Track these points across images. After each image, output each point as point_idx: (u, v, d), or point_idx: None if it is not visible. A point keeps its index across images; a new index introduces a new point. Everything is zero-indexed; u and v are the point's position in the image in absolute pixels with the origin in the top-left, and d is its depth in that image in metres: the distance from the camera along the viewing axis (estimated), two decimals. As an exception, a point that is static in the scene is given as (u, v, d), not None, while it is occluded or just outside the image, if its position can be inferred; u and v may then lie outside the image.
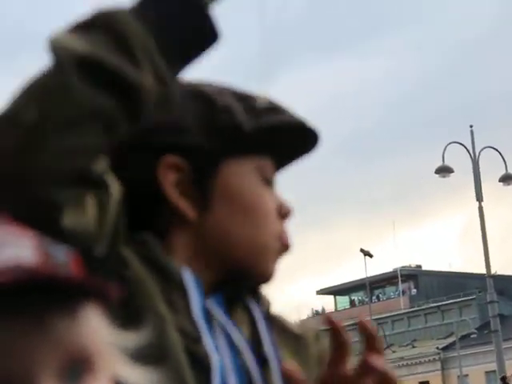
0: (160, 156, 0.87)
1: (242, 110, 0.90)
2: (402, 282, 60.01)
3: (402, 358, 48.80)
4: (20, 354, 0.49)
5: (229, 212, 0.91)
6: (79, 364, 0.50)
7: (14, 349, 0.48)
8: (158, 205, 0.88)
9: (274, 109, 0.94)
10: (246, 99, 0.92)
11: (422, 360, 47.94)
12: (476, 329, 43.84)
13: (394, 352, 47.55)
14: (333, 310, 62.29)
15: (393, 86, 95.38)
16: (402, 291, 60.47)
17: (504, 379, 17.94)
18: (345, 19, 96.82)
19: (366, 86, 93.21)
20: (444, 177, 21.52)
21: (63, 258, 0.51)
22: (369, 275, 33.19)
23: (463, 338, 44.21)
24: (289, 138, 0.96)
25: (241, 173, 0.91)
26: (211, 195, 0.90)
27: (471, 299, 50.39)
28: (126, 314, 0.56)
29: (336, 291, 63.95)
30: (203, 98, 0.90)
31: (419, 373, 48.02)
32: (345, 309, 61.49)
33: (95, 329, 0.51)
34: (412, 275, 61.22)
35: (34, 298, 0.46)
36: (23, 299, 0.46)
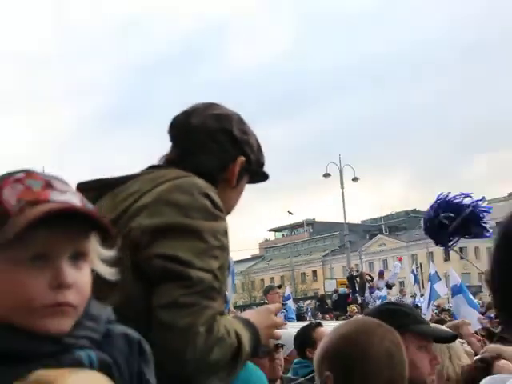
0: (239, 155, 1.65)
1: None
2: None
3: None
4: (51, 245, 0.95)
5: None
6: (80, 254, 0.98)
7: (50, 240, 0.94)
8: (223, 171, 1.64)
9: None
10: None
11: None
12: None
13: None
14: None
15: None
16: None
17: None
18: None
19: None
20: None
21: (91, 206, 1.02)
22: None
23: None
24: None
25: None
26: (241, 184, 1.70)
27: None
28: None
29: (283, 228, 77.96)
30: (258, 143, 1.74)
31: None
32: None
33: (93, 242, 1.00)
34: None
35: (71, 221, 0.94)
36: (68, 220, 0.93)
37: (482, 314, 8.84)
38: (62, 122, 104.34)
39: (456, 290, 7.72)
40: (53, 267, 0.94)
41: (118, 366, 1.00)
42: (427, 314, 8.45)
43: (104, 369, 0.97)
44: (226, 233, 1.47)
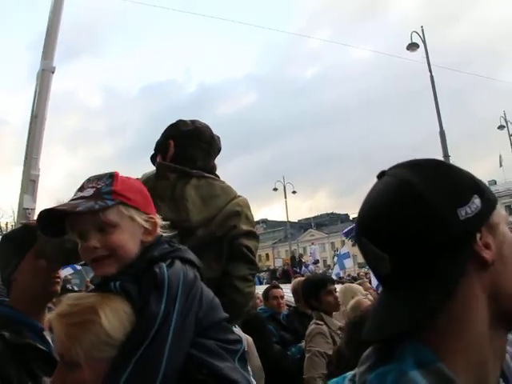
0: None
1: None
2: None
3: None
4: (77, 227, 1.27)
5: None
6: (104, 224, 1.26)
7: (75, 224, 1.28)
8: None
9: None
10: None
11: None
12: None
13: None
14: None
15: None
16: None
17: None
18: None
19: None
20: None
21: (107, 190, 1.28)
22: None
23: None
24: None
25: None
26: None
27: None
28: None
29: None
30: None
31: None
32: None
33: (118, 213, 1.28)
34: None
35: (92, 203, 1.23)
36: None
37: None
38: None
39: (342, 257, 12.98)
40: (87, 239, 1.27)
41: (140, 291, 1.23)
42: (335, 276, 12.05)
43: (123, 292, 1.22)
44: None
